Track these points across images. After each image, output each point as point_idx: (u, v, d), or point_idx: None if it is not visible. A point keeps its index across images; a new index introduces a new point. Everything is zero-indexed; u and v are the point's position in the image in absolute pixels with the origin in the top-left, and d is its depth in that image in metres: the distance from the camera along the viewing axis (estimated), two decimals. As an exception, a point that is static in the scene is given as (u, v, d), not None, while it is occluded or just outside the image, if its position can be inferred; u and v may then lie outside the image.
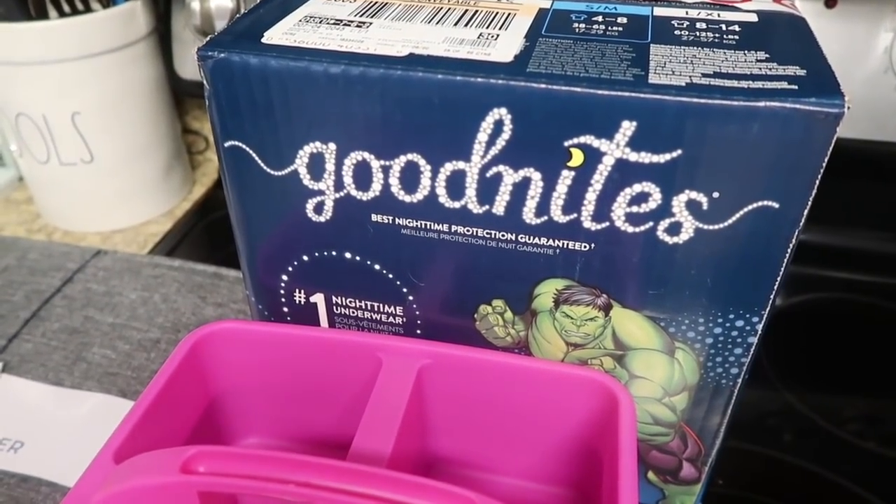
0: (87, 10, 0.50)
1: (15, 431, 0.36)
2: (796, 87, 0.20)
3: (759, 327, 0.24)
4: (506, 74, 0.21)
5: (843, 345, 0.44)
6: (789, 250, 0.22)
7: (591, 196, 0.22)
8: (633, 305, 0.25)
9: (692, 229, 0.22)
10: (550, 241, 0.24)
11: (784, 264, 0.22)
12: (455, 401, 0.27)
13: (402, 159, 0.24)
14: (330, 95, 0.23)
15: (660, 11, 0.25)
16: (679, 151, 0.21)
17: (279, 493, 0.19)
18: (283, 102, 0.24)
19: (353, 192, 0.25)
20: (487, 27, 0.24)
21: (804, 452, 0.38)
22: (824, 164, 0.20)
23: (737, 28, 0.23)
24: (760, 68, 0.21)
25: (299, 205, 0.26)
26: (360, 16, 0.25)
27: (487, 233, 0.24)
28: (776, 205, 0.21)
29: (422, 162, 0.23)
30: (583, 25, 0.24)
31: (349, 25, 0.24)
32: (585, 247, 0.24)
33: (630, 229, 0.23)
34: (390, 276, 0.27)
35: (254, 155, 0.25)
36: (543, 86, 0.21)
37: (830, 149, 0.20)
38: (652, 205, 0.22)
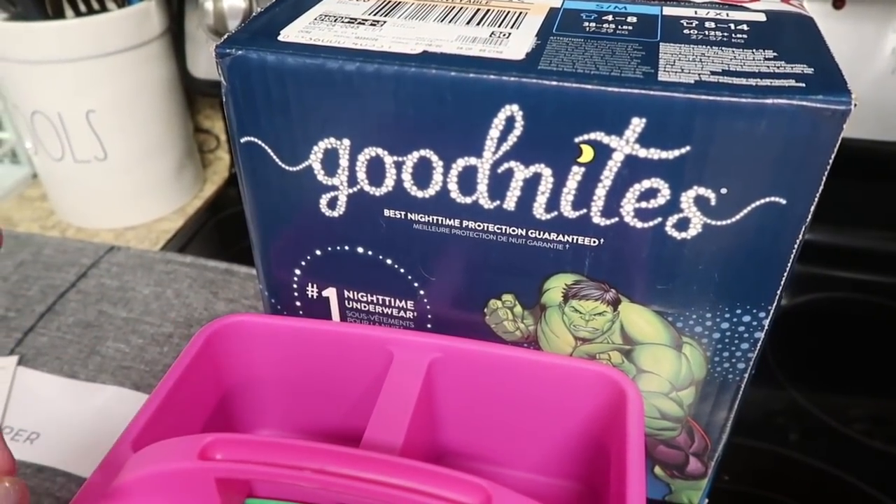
0: (103, 9, 0.51)
1: (31, 423, 0.37)
2: (804, 85, 0.20)
3: (766, 323, 0.24)
4: (517, 72, 0.22)
5: (849, 344, 0.44)
6: (796, 246, 0.22)
7: (600, 192, 0.23)
8: (642, 300, 0.25)
9: (700, 225, 0.22)
10: (560, 236, 0.24)
11: (791, 260, 0.23)
12: (464, 394, 0.27)
13: (415, 155, 0.24)
14: (344, 92, 0.23)
15: (669, 11, 0.25)
16: (688, 148, 0.21)
17: (295, 479, 0.19)
18: (299, 99, 0.24)
19: (367, 188, 0.25)
20: (499, 26, 0.24)
21: (811, 450, 0.38)
22: (831, 161, 0.20)
23: (745, 27, 0.24)
24: (768, 66, 0.21)
25: (313, 200, 0.26)
26: (375, 14, 0.26)
27: (498, 228, 0.25)
28: (783, 201, 0.21)
29: (434, 158, 0.24)
30: (593, 24, 0.24)
31: (363, 24, 0.25)
32: (595, 242, 0.24)
33: (639, 225, 0.23)
34: (402, 270, 0.27)
35: (269, 150, 0.26)
36: (555, 83, 0.21)
37: (837, 145, 0.20)
38: (661, 200, 0.22)
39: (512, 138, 0.23)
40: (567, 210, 0.23)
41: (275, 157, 0.26)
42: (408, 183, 0.25)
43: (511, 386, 0.27)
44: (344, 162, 0.25)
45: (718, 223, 0.22)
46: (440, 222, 0.25)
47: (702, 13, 0.25)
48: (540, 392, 0.27)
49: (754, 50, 0.22)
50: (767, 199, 0.21)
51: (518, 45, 0.23)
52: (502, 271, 0.26)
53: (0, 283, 0.46)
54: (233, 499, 0.22)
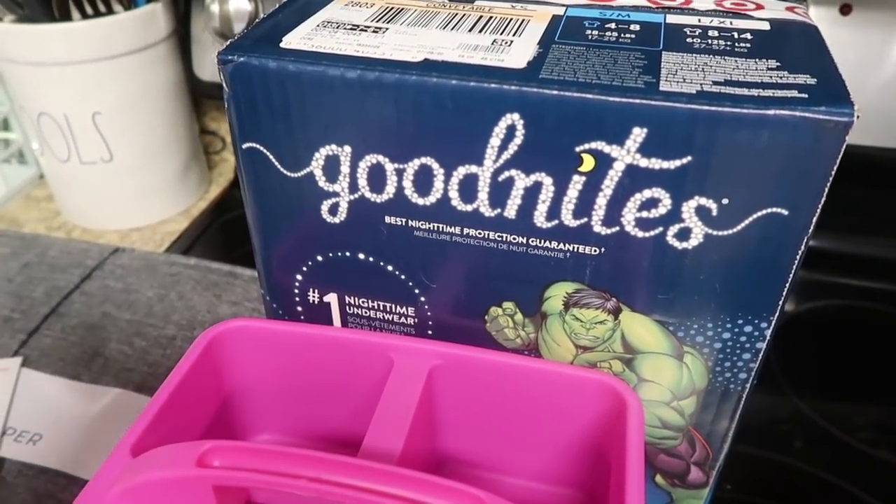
0: (110, 11, 0.51)
1: (34, 424, 0.37)
2: (806, 96, 0.20)
3: (768, 333, 0.24)
4: (519, 80, 0.22)
5: (854, 352, 0.44)
6: (798, 257, 0.22)
7: (601, 201, 0.23)
8: (643, 309, 0.25)
9: (701, 235, 0.22)
10: (561, 244, 0.24)
11: (793, 270, 0.22)
12: (465, 401, 0.27)
13: (416, 163, 0.24)
14: (346, 99, 0.23)
15: (672, 19, 0.25)
16: (689, 158, 0.21)
17: (292, 487, 0.19)
18: (300, 106, 0.24)
19: (368, 195, 0.25)
20: (501, 33, 0.24)
21: (814, 459, 0.38)
22: (833, 172, 0.20)
23: (749, 36, 0.24)
24: (771, 77, 0.21)
25: (314, 206, 0.26)
26: (377, 21, 0.26)
27: (499, 236, 0.25)
28: (785, 212, 0.21)
29: (435, 165, 0.24)
30: (596, 32, 0.24)
31: (366, 31, 0.25)
32: (595, 251, 0.24)
33: (640, 234, 0.23)
34: (402, 277, 0.27)
35: (271, 156, 0.26)
36: (556, 92, 0.21)
37: (840, 157, 0.20)
38: (662, 210, 0.22)
39: (513, 147, 0.23)
40: (568, 219, 0.23)
41: (276, 163, 0.26)
42: (409, 190, 0.25)
43: (511, 393, 0.27)
44: (345, 169, 0.25)
45: (720, 233, 0.22)
46: (441, 229, 0.25)
47: (705, 21, 0.25)
48: (540, 400, 0.27)
49: (757, 59, 0.22)
50: (769, 210, 0.21)
51: (520, 54, 0.23)
52: (503, 279, 0.26)
53: (5, 283, 0.47)
54: (231, 505, 0.22)
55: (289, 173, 0.26)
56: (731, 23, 0.25)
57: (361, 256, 0.27)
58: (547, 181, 0.23)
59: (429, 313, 0.28)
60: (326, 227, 0.27)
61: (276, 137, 0.25)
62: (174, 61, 0.55)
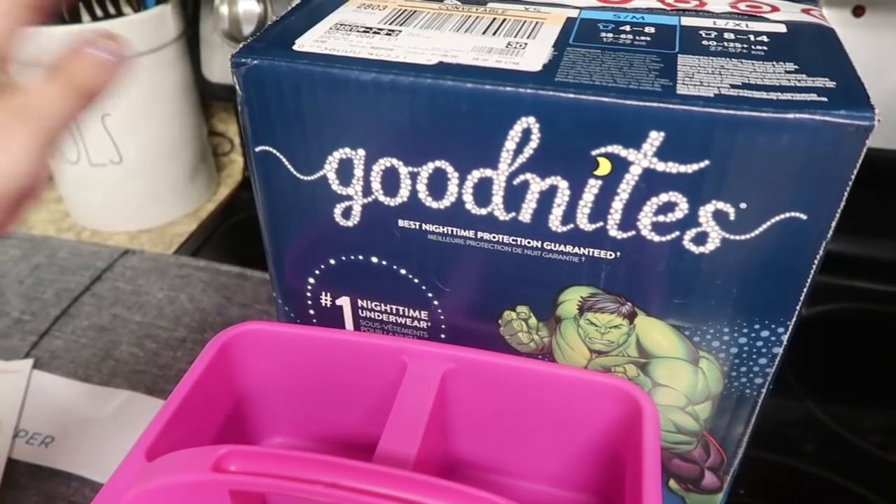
0: (119, 13, 0.51)
1: (46, 426, 0.37)
2: (826, 100, 0.20)
3: (785, 338, 0.24)
4: (534, 84, 0.21)
5: (866, 355, 0.44)
6: (816, 261, 0.22)
7: (617, 205, 0.22)
8: (658, 314, 0.25)
9: (719, 239, 0.22)
10: (576, 248, 0.24)
11: (811, 275, 0.22)
12: (478, 405, 0.27)
13: (430, 166, 0.24)
14: (360, 102, 0.23)
15: (687, 21, 0.25)
16: (707, 162, 0.21)
17: (309, 493, 0.19)
18: (314, 109, 0.24)
19: (381, 198, 0.25)
20: (515, 36, 0.24)
21: (826, 463, 0.37)
22: (853, 177, 0.20)
23: (765, 39, 0.24)
24: (789, 80, 0.21)
25: (327, 209, 0.26)
26: (390, 24, 0.26)
27: (513, 240, 0.25)
28: (804, 216, 0.21)
29: (449, 169, 0.24)
30: (610, 35, 0.24)
31: (379, 33, 0.25)
32: (611, 255, 0.24)
33: (656, 238, 0.23)
34: (416, 280, 0.27)
35: (284, 160, 0.26)
36: (572, 95, 0.21)
37: (860, 161, 0.20)
38: (679, 214, 0.22)
39: (528, 150, 0.22)
40: (583, 223, 0.23)
41: (289, 166, 0.26)
42: (423, 194, 0.25)
43: (525, 398, 0.27)
44: (359, 172, 0.25)
45: (737, 238, 0.22)
46: (455, 233, 0.25)
47: (721, 24, 0.25)
48: (554, 404, 0.26)
49: (775, 62, 0.22)
50: (787, 215, 0.21)
51: (535, 57, 0.23)
52: (517, 283, 0.26)
53: (16, 285, 0.47)
54: (246, 510, 0.22)
55: (302, 177, 0.26)
56: (746, 25, 0.25)
57: (374, 260, 0.27)
58: (562, 185, 0.23)
59: (442, 317, 0.28)
60: (339, 231, 0.27)
61: (290, 141, 0.25)
62: (183, 63, 0.55)
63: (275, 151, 0.26)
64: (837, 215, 0.21)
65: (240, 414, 0.30)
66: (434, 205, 0.25)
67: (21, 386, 0.39)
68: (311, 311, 0.30)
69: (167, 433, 0.24)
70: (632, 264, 0.24)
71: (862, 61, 0.22)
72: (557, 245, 0.24)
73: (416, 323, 0.29)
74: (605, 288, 0.25)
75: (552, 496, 0.29)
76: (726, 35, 0.24)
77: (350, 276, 0.28)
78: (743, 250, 0.22)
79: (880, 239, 0.50)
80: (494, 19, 0.26)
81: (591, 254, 0.24)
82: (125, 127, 0.52)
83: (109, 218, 0.57)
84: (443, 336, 0.29)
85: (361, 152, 0.25)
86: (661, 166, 0.21)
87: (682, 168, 0.21)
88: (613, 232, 0.23)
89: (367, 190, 0.25)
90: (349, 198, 0.26)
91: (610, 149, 0.21)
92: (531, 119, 0.22)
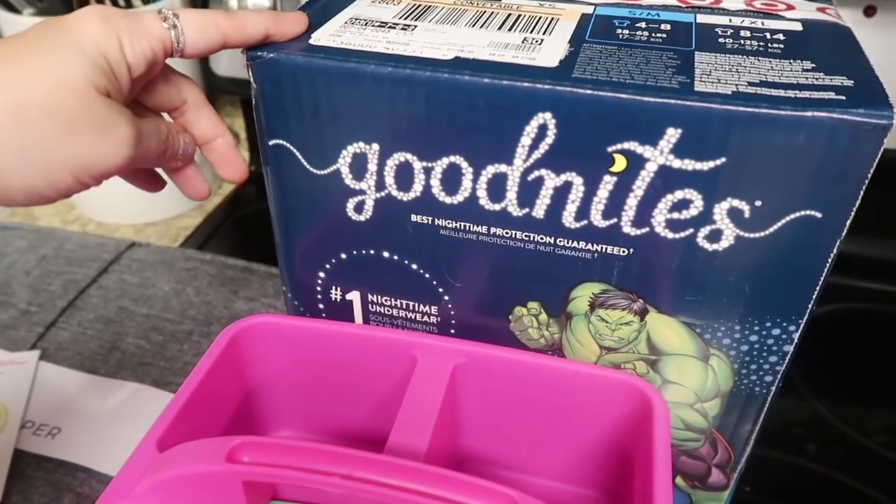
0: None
1: (52, 418, 0.37)
2: (844, 98, 0.20)
3: (796, 336, 0.24)
4: (552, 80, 0.21)
5: (873, 355, 0.44)
6: (830, 260, 0.22)
7: (632, 202, 0.23)
8: (670, 311, 0.25)
9: (733, 237, 0.22)
10: (589, 245, 0.24)
11: (824, 274, 0.22)
12: (488, 400, 0.27)
13: (445, 161, 0.24)
14: (376, 96, 0.23)
15: (703, 19, 0.25)
16: (723, 159, 0.21)
17: (323, 484, 0.19)
18: (329, 103, 0.24)
19: (394, 193, 0.25)
20: (531, 32, 0.24)
21: (831, 462, 0.37)
22: (870, 175, 0.20)
23: (781, 37, 0.24)
24: (807, 78, 0.21)
25: (340, 204, 0.26)
26: (405, 18, 0.26)
27: (526, 235, 0.25)
28: (819, 214, 0.21)
29: (464, 164, 0.24)
30: (626, 32, 0.24)
31: (394, 28, 0.25)
32: (624, 252, 0.24)
33: (670, 235, 0.23)
34: (427, 275, 0.27)
35: (297, 154, 0.26)
36: (589, 91, 0.21)
37: (877, 159, 0.20)
38: (693, 212, 0.22)
39: (543, 146, 0.22)
40: (597, 219, 0.23)
41: (303, 160, 0.26)
42: (436, 189, 0.25)
43: (535, 393, 0.27)
44: (372, 167, 0.25)
45: (751, 235, 0.22)
46: (468, 228, 0.25)
47: (736, 21, 0.25)
48: (564, 400, 0.26)
49: (791, 60, 0.22)
50: (802, 213, 0.21)
51: (551, 52, 0.23)
52: (529, 279, 0.26)
53: (23, 276, 0.47)
54: (258, 501, 0.22)
55: (315, 171, 0.26)
56: (762, 23, 0.25)
57: (386, 254, 0.27)
58: (577, 181, 0.23)
59: (452, 312, 0.28)
60: (351, 225, 0.27)
61: (304, 135, 0.25)
62: (191, 56, 0.55)
63: (288, 145, 0.26)
64: (852, 214, 0.21)
65: (249, 407, 0.30)
66: (447, 200, 0.25)
67: (28, 377, 0.39)
68: (321, 306, 0.30)
69: (178, 424, 0.25)
70: (645, 261, 0.24)
71: (873, 61, 0.22)
72: (570, 241, 0.24)
73: (426, 318, 0.29)
74: (616, 284, 0.25)
75: (561, 492, 0.29)
76: (742, 33, 0.24)
77: (361, 270, 0.28)
78: (757, 248, 0.22)
79: (888, 240, 0.50)
80: (510, 15, 0.26)
81: (603, 250, 0.24)
82: (132, 119, 0.52)
83: (115, 210, 0.57)
84: (452, 332, 0.29)
85: (376, 147, 0.25)
86: (676, 163, 0.21)
87: (699, 165, 0.21)
88: (627, 229, 0.23)
89: (380, 184, 0.25)
90: (362, 192, 0.26)
91: (626, 145, 0.21)
92: (548, 115, 0.22)
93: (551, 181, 0.23)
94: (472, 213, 0.25)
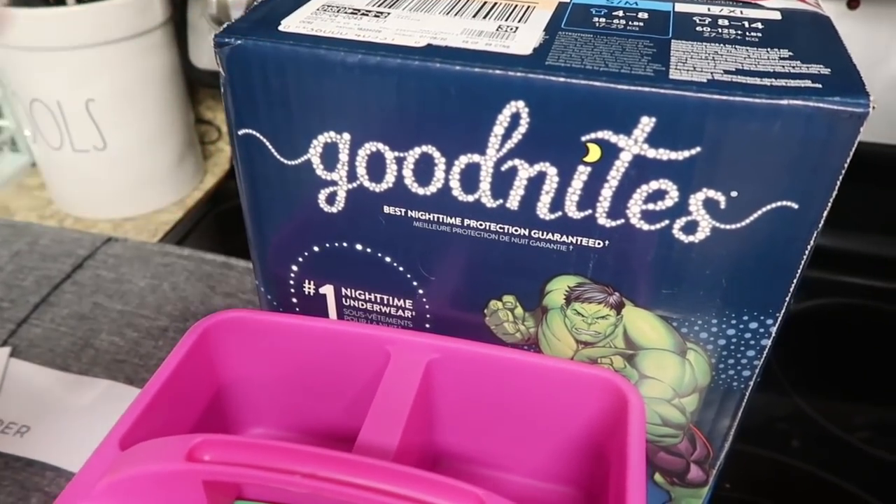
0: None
1: (21, 416, 0.36)
2: (820, 86, 0.19)
3: (774, 330, 0.24)
4: (524, 67, 0.21)
5: (855, 350, 0.44)
6: (807, 252, 0.22)
7: (606, 192, 0.22)
8: (646, 304, 0.24)
9: (709, 228, 0.22)
10: (564, 237, 0.24)
11: (801, 266, 0.22)
12: (463, 396, 0.27)
13: (417, 151, 0.23)
14: (346, 85, 0.23)
15: (681, 7, 0.25)
16: (698, 149, 0.20)
17: (284, 483, 0.18)
18: (299, 91, 0.23)
19: (366, 184, 0.25)
20: (506, 20, 0.24)
21: (813, 458, 0.37)
22: (846, 165, 0.20)
23: (760, 25, 0.23)
24: (784, 66, 0.20)
25: (311, 195, 0.26)
26: (378, 6, 0.25)
27: (500, 227, 0.24)
28: (795, 205, 0.21)
29: (436, 154, 0.23)
30: (603, 20, 0.24)
31: (367, 15, 0.24)
32: (599, 244, 0.23)
33: (645, 227, 0.22)
34: (401, 268, 0.27)
35: (267, 144, 0.25)
36: (562, 79, 0.20)
37: (853, 149, 0.19)
38: (668, 203, 0.22)
39: (517, 135, 0.22)
40: (572, 210, 0.23)
41: (273, 150, 0.25)
42: (409, 179, 0.24)
43: (510, 389, 0.26)
44: (344, 157, 0.24)
45: (727, 227, 0.22)
46: (441, 220, 0.25)
47: (715, 10, 0.24)
48: (540, 396, 0.26)
49: (769, 49, 0.22)
50: (779, 204, 0.21)
51: (525, 40, 0.22)
52: (504, 272, 0.25)
53: (-5, 272, 0.46)
54: (222, 500, 0.22)
55: (286, 161, 0.25)
56: (741, 12, 0.24)
57: (359, 247, 0.27)
58: (551, 171, 0.22)
59: (427, 306, 0.28)
60: (324, 217, 0.26)
61: (274, 124, 0.25)
62: (170, 48, 0.54)
63: (258, 135, 0.25)
64: (829, 205, 0.21)
65: (220, 404, 0.29)
66: (420, 191, 0.24)
67: (-2, 374, 0.38)
68: (294, 300, 0.30)
69: (142, 422, 0.24)
70: (620, 253, 0.23)
71: (855, 54, 0.22)
72: (545, 233, 0.24)
73: (400, 312, 0.28)
74: (592, 277, 0.24)
75: (536, 489, 0.28)
76: (720, 21, 0.23)
77: (334, 263, 0.28)
78: (733, 240, 0.22)
79: (870, 234, 0.50)
80: (485, 3, 0.25)
81: (578, 242, 0.23)
82: (110, 113, 0.51)
83: (93, 205, 0.56)
84: (428, 326, 0.28)
85: (346, 136, 0.24)
86: (651, 153, 0.21)
87: (673, 155, 0.21)
88: (602, 220, 0.23)
89: (352, 175, 0.25)
90: (334, 183, 0.25)
91: (600, 134, 0.21)
92: (520, 103, 0.21)
93: (525, 171, 0.23)
94: (446, 205, 0.24)
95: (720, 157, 0.20)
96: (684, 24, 0.23)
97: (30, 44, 0.47)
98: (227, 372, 0.29)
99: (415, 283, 0.27)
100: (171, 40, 0.54)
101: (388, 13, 0.24)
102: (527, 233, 0.24)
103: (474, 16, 0.24)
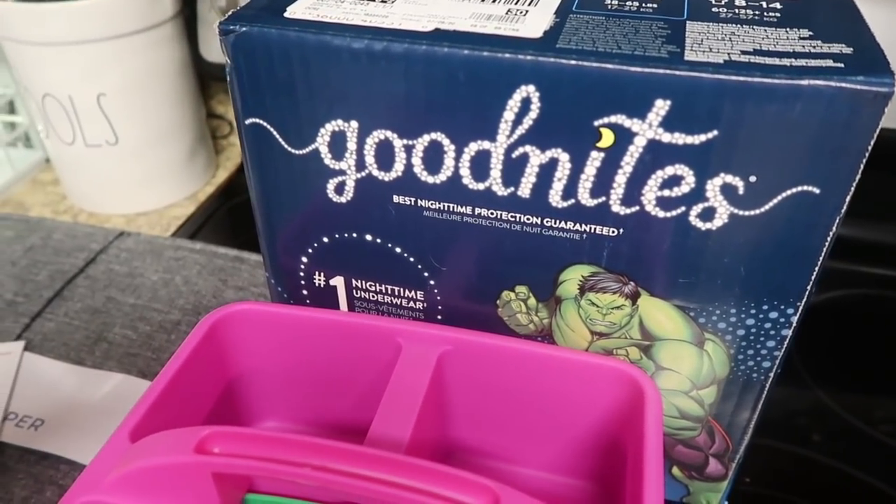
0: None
1: (36, 409, 0.36)
2: (842, 65, 0.19)
3: (795, 319, 0.23)
4: (534, 50, 0.20)
5: (876, 342, 0.43)
6: (829, 238, 0.21)
7: (620, 179, 0.21)
8: (662, 294, 0.24)
9: (726, 215, 0.21)
10: (577, 225, 0.23)
11: (823, 253, 0.21)
12: (475, 388, 0.26)
13: (426, 138, 0.23)
14: (352, 71, 0.22)
15: (697, -12, 0.24)
16: (715, 132, 0.20)
17: (294, 476, 0.18)
18: (305, 78, 0.23)
19: (375, 172, 0.24)
20: (516, 3, 0.23)
21: (834, 452, 0.36)
22: (870, 148, 0.19)
23: (778, 5, 0.22)
24: (804, 46, 0.20)
25: (320, 185, 0.25)
26: (385, -9, 0.25)
27: (512, 216, 0.24)
28: (817, 190, 0.20)
29: (445, 141, 0.23)
30: (615, 2, 0.23)
31: (373, 0, 0.24)
32: (613, 232, 0.23)
33: (661, 214, 0.22)
34: (411, 259, 0.26)
35: (275, 133, 0.25)
36: (574, 62, 0.20)
37: (878, 130, 0.18)
38: (685, 188, 0.21)
39: (527, 121, 0.21)
40: (585, 198, 0.22)
41: (280, 139, 0.25)
42: (418, 168, 0.24)
43: (524, 381, 0.26)
44: (352, 145, 0.24)
45: (746, 213, 0.21)
46: (451, 209, 0.24)
47: (731, -9, 0.24)
48: (553, 388, 0.26)
49: (788, 29, 0.21)
50: (799, 189, 0.20)
51: (535, 23, 0.22)
52: (516, 262, 0.25)
53: (9, 267, 0.46)
54: (232, 493, 0.21)
55: (293, 150, 0.25)
56: (758, -8, 0.23)
57: (369, 238, 0.26)
58: (563, 158, 0.22)
59: (438, 298, 0.27)
60: (332, 207, 0.26)
61: (280, 112, 0.24)
62: (180, 42, 0.54)
63: (265, 124, 0.25)
64: (852, 189, 0.20)
65: (231, 397, 0.29)
66: (430, 179, 0.24)
67: (12, 368, 0.38)
68: (305, 292, 0.29)
69: (153, 415, 0.24)
70: (635, 242, 0.23)
71: (879, 34, 0.21)
72: (558, 221, 0.23)
73: (411, 304, 0.28)
74: (607, 266, 0.24)
75: (551, 482, 0.28)
76: (737, 2, 0.23)
77: (344, 254, 0.27)
78: (752, 226, 0.21)
79: (889, 224, 0.49)
80: (494, -14, 0.25)
81: (592, 230, 0.23)
82: (121, 107, 0.51)
83: (106, 200, 0.56)
84: (439, 317, 0.28)
85: (354, 124, 0.24)
86: (666, 137, 0.20)
87: (689, 139, 0.20)
88: (616, 207, 0.22)
89: (360, 164, 0.24)
90: (342, 172, 0.25)
91: (613, 119, 0.20)
92: (531, 88, 0.21)
93: (536, 158, 0.22)
94: (456, 193, 0.24)
95: (738, 141, 0.20)
96: (700, 4, 0.23)
97: (40, 38, 0.47)
98: (237, 365, 0.28)
99: (426, 275, 0.27)
100: (182, 34, 0.54)
101: (396, -1, 0.24)
102: (539, 221, 0.23)
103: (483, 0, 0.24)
